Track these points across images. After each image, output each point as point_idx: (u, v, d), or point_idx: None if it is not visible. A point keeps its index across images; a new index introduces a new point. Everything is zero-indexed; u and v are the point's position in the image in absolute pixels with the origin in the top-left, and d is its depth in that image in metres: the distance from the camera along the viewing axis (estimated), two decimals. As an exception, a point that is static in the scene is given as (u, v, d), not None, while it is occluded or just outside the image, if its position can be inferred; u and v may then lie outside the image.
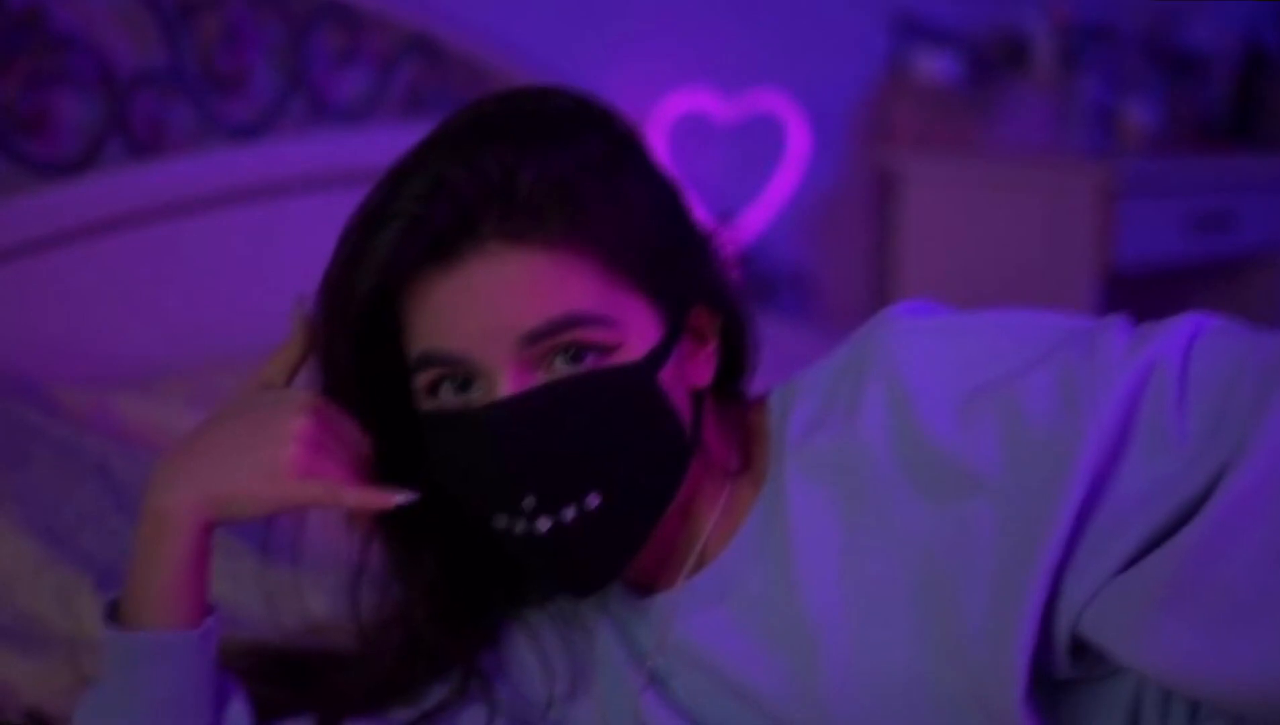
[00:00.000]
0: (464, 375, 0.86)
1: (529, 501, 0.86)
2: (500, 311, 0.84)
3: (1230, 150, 3.23)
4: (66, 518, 1.31)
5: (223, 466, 0.88)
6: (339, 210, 0.88)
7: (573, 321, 0.84)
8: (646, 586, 0.97)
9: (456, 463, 0.87)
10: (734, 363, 0.97)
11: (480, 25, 2.20)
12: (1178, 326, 0.83)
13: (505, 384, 0.85)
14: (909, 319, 0.90)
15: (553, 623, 1.00)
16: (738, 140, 2.58)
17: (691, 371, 0.92)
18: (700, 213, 0.94)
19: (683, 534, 0.94)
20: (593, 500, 0.86)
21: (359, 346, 0.88)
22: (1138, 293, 2.82)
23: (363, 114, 2.07)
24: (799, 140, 2.62)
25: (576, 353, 0.85)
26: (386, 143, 0.91)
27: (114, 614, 0.90)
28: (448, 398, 0.87)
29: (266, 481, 0.87)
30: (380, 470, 0.91)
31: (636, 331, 0.87)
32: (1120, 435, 0.80)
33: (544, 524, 0.86)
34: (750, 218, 2.62)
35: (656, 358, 0.87)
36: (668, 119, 2.47)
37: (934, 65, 2.83)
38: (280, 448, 0.87)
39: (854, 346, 0.92)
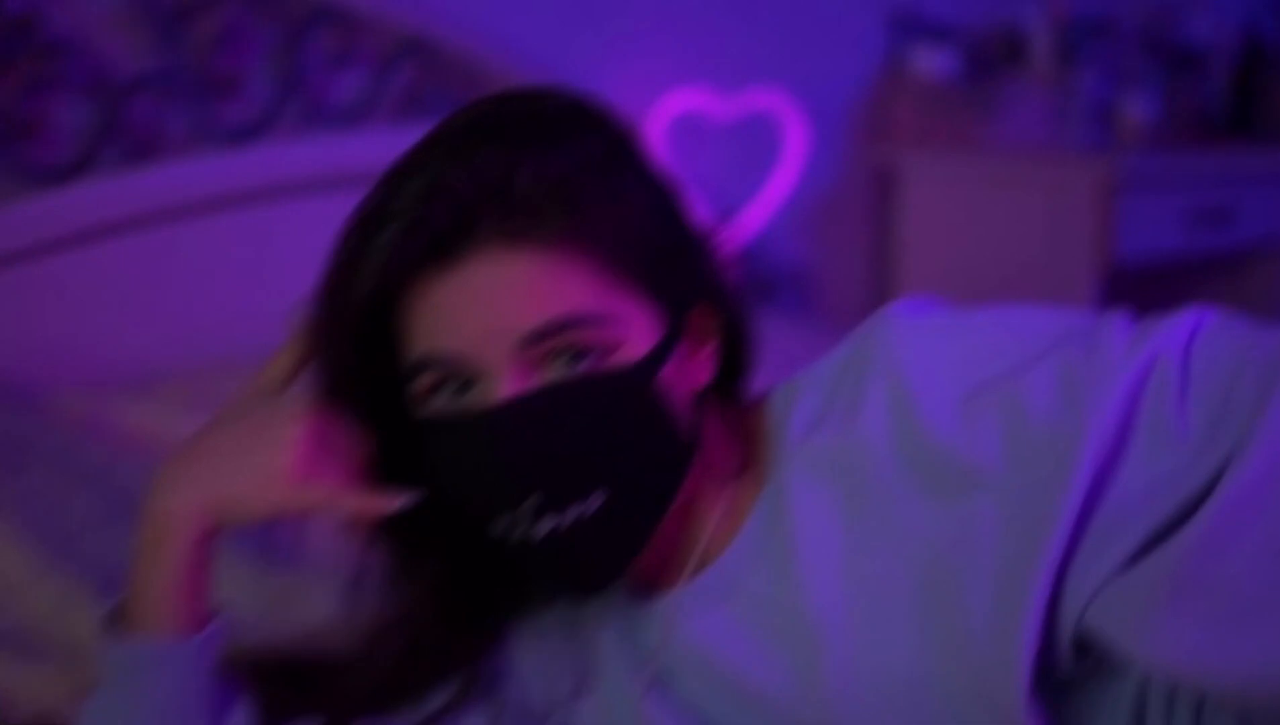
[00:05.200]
0: (463, 377, 0.86)
1: (530, 504, 0.85)
2: (499, 312, 0.83)
3: (1229, 144, 3.22)
4: (66, 523, 1.30)
5: (223, 471, 0.88)
6: (336, 213, 0.88)
7: (572, 322, 0.84)
8: (649, 587, 0.96)
9: (456, 466, 0.87)
10: (734, 362, 0.96)
11: (477, 26, 2.19)
12: (1179, 321, 0.83)
13: (504, 386, 0.84)
14: (909, 316, 0.90)
15: (555, 624, 1.00)
16: (736, 139, 2.57)
17: (691, 371, 0.91)
18: (699, 212, 0.94)
19: (684, 534, 0.94)
20: (594, 502, 0.86)
21: (358, 350, 0.88)
22: (1138, 288, 2.82)
23: (359, 116, 2.07)
24: (797, 138, 2.62)
25: (576, 354, 0.85)
26: (383, 145, 0.91)
27: (115, 620, 0.90)
28: (447, 401, 0.87)
29: (266, 486, 0.87)
30: (380, 474, 0.91)
31: (636, 332, 0.86)
32: (1122, 432, 0.79)
33: (545, 526, 0.86)
34: (749, 216, 2.61)
35: (656, 358, 0.87)
36: (666, 118, 2.46)
37: (932, 62, 2.83)
38: (280, 452, 0.87)
39: (854, 344, 0.92)
